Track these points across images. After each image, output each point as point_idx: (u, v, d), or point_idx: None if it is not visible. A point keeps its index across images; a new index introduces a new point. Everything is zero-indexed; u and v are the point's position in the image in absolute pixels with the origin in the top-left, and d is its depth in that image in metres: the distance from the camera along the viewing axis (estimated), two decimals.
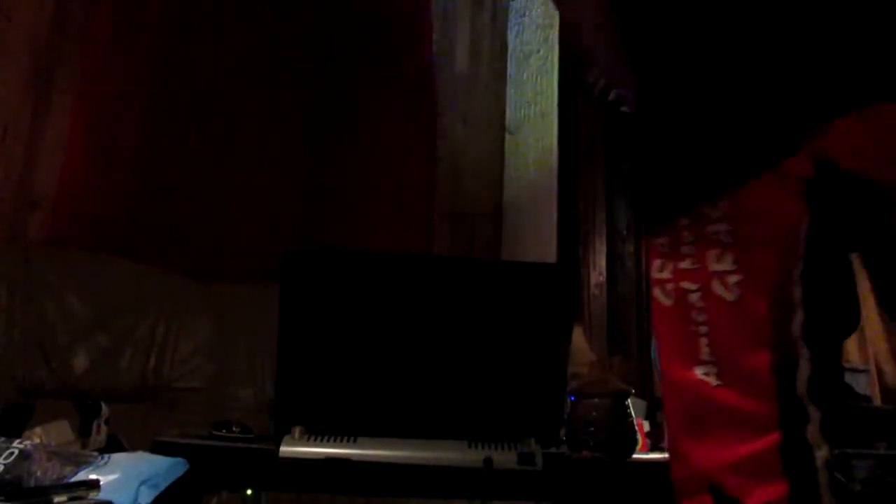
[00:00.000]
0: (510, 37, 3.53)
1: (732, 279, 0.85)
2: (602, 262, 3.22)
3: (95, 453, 1.34)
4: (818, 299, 0.87)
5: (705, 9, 0.91)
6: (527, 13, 3.53)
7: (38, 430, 1.48)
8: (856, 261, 1.02)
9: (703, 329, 0.87)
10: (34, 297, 2.09)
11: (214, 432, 1.50)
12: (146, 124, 2.53)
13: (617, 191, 3.39)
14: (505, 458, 1.37)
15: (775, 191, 0.85)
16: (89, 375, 2.09)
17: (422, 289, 1.48)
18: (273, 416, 1.57)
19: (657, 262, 0.93)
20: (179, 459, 1.34)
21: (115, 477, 1.24)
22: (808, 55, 0.86)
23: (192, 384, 2.23)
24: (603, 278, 3.20)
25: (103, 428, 1.58)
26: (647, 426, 2.17)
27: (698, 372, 0.87)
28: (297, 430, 1.40)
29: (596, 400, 1.57)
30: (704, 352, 0.87)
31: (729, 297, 0.86)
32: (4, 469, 1.21)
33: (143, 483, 1.25)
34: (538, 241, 3.19)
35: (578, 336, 2.60)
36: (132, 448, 1.53)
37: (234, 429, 1.51)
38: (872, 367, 2.61)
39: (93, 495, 1.19)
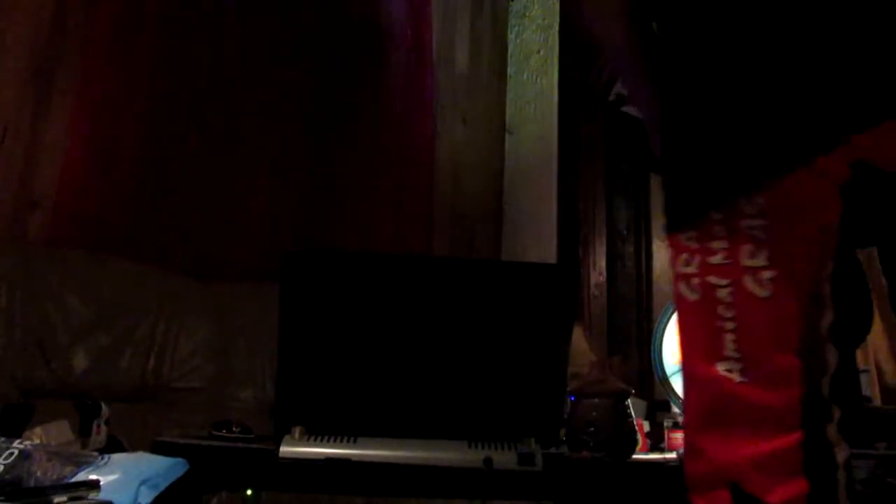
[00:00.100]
0: (510, 37, 3.54)
1: (766, 275, 0.85)
2: (602, 262, 3.22)
3: (95, 453, 1.34)
4: (845, 299, 0.87)
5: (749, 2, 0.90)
6: (527, 13, 3.54)
7: (38, 430, 1.48)
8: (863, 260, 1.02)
9: (730, 325, 0.86)
10: (34, 297, 2.09)
11: (214, 432, 1.50)
12: (146, 124, 2.53)
13: (617, 191, 3.39)
14: (505, 458, 1.37)
15: (813, 189, 0.85)
16: (89, 375, 2.09)
17: (422, 289, 1.48)
18: (273, 416, 1.57)
19: (683, 256, 0.91)
20: (179, 459, 1.34)
21: (115, 477, 1.24)
22: (854, 54, 0.85)
23: (192, 384, 2.23)
24: (603, 278, 3.21)
25: (103, 428, 1.58)
26: (647, 426, 2.17)
27: (721, 368, 0.86)
28: (297, 431, 1.40)
29: (596, 400, 1.57)
30: (729, 347, 0.86)
31: (761, 293, 0.85)
32: (4, 469, 1.21)
33: (143, 483, 1.25)
34: (538, 241, 3.19)
35: (578, 336, 2.60)
36: (132, 448, 1.53)
37: (234, 429, 1.51)
38: (872, 367, 2.61)
39: (93, 495, 1.19)
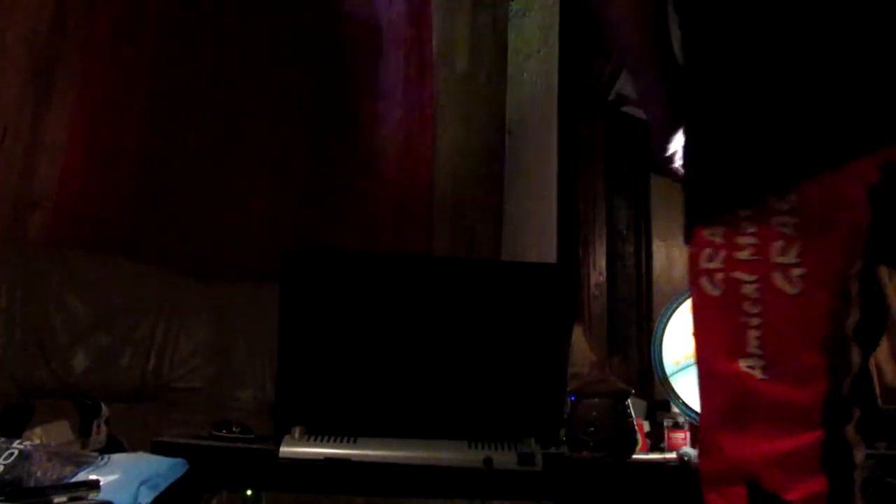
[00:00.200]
0: (510, 37, 3.53)
1: (796, 272, 0.84)
2: (602, 262, 3.22)
3: (95, 453, 1.34)
4: (870, 300, 0.87)
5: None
6: (527, 13, 3.54)
7: (38, 430, 1.48)
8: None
9: (755, 321, 0.86)
10: (34, 297, 2.09)
11: (214, 432, 1.50)
12: (146, 124, 2.53)
13: (617, 191, 3.39)
14: (505, 458, 1.37)
15: (844, 189, 0.84)
16: (89, 375, 2.09)
17: (422, 289, 1.48)
18: (273, 416, 1.57)
19: (706, 252, 0.90)
20: (179, 459, 1.34)
21: (115, 477, 1.24)
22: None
23: (192, 384, 2.23)
24: (603, 278, 3.20)
25: (103, 428, 1.58)
26: (647, 426, 2.17)
27: (742, 364, 0.86)
28: (297, 431, 1.40)
29: (596, 400, 1.57)
30: (752, 344, 0.86)
31: (791, 290, 0.84)
32: (4, 469, 1.21)
33: (143, 483, 1.25)
34: (538, 241, 3.19)
35: (578, 336, 2.60)
36: (132, 448, 1.53)
37: (234, 429, 1.50)
38: (872, 367, 2.61)
39: (93, 495, 1.19)
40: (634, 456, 1.61)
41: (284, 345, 1.45)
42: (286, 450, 1.37)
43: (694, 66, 0.99)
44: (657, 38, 1.09)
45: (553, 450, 1.49)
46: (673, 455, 1.75)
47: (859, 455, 0.84)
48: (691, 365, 2.22)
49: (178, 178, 2.55)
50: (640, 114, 3.35)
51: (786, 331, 0.85)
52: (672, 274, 3.39)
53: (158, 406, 2.17)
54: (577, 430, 1.55)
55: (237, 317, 2.36)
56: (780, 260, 0.85)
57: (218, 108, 2.65)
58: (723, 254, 0.89)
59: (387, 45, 3.14)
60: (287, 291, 1.43)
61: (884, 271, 0.94)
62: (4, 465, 1.21)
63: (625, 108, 3.40)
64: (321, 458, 1.36)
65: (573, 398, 1.59)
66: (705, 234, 0.91)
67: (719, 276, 0.89)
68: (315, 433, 1.41)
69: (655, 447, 2.06)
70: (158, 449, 1.39)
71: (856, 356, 0.86)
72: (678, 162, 1.18)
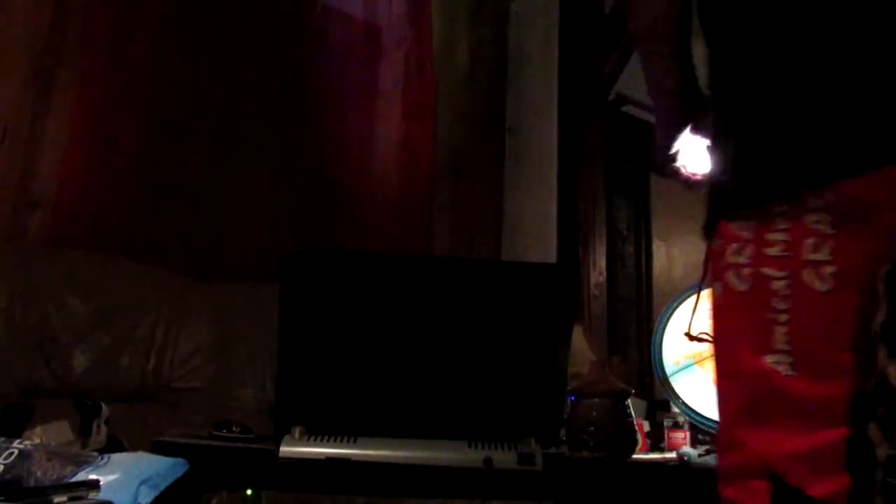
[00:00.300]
0: (510, 37, 3.53)
1: (828, 270, 0.84)
2: (602, 262, 3.22)
3: (95, 453, 1.34)
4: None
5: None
6: (527, 13, 3.54)
7: (38, 430, 1.48)
8: None
9: (784, 317, 0.85)
10: (34, 297, 2.09)
11: (214, 432, 1.50)
12: (146, 124, 2.53)
13: (617, 191, 3.39)
14: (505, 458, 1.37)
15: (879, 190, 0.84)
16: (89, 375, 2.09)
17: (422, 289, 1.48)
18: (273, 416, 1.57)
19: (733, 246, 0.90)
20: (179, 459, 1.34)
21: (115, 477, 1.24)
22: None
23: (192, 384, 2.23)
24: (603, 278, 3.20)
25: (103, 428, 1.58)
26: (647, 426, 2.17)
27: (769, 360, 0.85)
28: (297, 430, 1.40)
29: (596, 400, 1.57)
30: (780, 340, 0.85)
31: (821, 287, 0.84)
32: (4, 469, 1.21)
33: (143, 483, 1.25)
34: (538, 241, 3.19)
35: (578, 336, 2.60)
36: (132, 448, 1.53)
37: (234, 429, 1.51)
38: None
39: (93, 495, 1.19)
40: (634, 456, 1.62)
41: (284, 345, 1.45)
42: (286, 450, 1.37)
43: (730, 58, 0.98)
44: (683, 15, 1.08)
45: (553, 450, 1.49)
46: (673, 455, 1.75)
47: (881, 453, 0.84)
48: (691, 365, 2.22)
49: (178, 178, 2.55)
50: (640, 114, 3.37)
51: (814, 328, 0.85)
52: (672, 274, 3.40)
53: (158, 406, 2.17)
54: (577, 429, 1.55)
55: (237, 317, 2.36)
56: (811, 257, 0.85)
57: (218, 108, 2.65)
58: (751, 248, 0.88)
59: (387, 45, 3.14)
60: (287, 291, 1.43)
61: None
62: (4, 464, 1.21)
63: (625, 108, 3.40)
64: (321, 457, 1.36)
65: (573, 398, 1.60)
66: (732, 228, 0.91)
67: (747, 270, 0.88)
68: (315, 433, 1.41)
69: (655, 447, 2.07)
70: (158, 449, 1.39)
71: (882, 354, 0.86)
72: (681, 160, 1.18)
